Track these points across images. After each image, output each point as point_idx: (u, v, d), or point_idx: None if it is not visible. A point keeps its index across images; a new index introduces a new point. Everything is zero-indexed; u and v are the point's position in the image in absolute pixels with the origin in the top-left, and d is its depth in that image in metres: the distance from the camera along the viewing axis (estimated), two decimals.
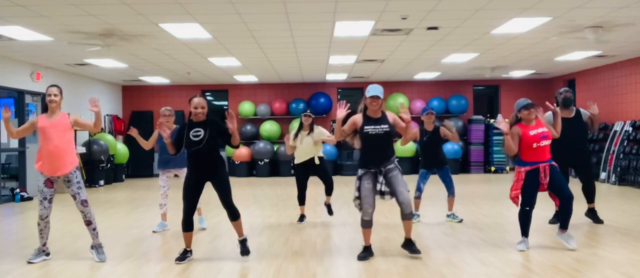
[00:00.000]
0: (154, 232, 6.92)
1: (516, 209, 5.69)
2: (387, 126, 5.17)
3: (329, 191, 7.31)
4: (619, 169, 11.94)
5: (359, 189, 5.18)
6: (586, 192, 7.05)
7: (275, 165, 15.62)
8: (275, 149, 15.61)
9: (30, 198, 10.76)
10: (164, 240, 6.44)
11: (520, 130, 5.48)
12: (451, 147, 14.73)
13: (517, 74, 14.85)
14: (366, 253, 5.30)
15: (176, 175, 6.91)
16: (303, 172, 7.21)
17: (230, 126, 5.04)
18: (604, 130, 12.89)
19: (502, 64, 12.72)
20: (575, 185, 6.85)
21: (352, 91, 16.98)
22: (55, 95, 5.28)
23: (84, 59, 10.98)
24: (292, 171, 15.02)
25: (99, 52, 9.81)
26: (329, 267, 5.04)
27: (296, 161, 7.19)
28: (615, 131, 12.39)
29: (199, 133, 5.07)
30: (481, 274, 4.71)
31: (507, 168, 15.74)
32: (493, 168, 15.67)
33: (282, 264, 5.15)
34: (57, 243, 6.20)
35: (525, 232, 5.60)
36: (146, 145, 6.88)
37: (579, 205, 7.21)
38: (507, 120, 5.61)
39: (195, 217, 5.90)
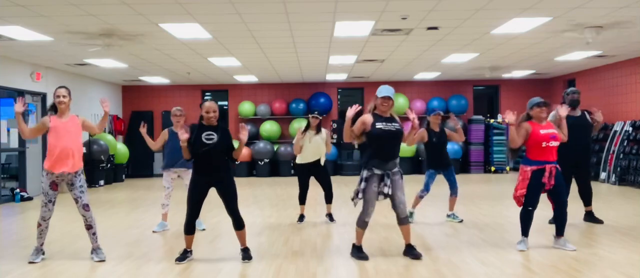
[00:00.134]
0: (154, 232, 6.92)
1: (516, 209, 5.69)
2: (398, 125, 5.17)
3: (328, 198, 7.31)
4: (619, 169, 11.94)
5: (364, 191, 5.11)
6: (583, 195, 7.05)
7: (275, 165, 15.62)
8: (275, 149, 15.61)
9: (30, 198, 10.76)
10: (164, 240, 6.44)
11: (530, 128, 5.47)
12: (451, 147, 14.73)
13: (517, 74, 14.85)
14: (362, 253, 5.30)
15: (179, 176, 6.90)
16: (306, 172, 7.21)
17: (244, 138, 5.11)
18: (604, 130, 12.88)
19: (502, 64, 12.72)
20: (572, 186, 6.87)
21: (352, 91, 16.98)
22: (64, 96, 5.31)
23: (84, 59, 10.98)
24: (292, 171, 15.23)
25: (99, 52, 9.81)
26: (329, 267, 5.04)
27: (301, 161, 7.17)
28: (615, 131, 12.39)
29: (212, 136, 5.04)
30: (481, 274, 4.72)
31: (507, 168, 15.74)
32: (493, 169, 15.67)
33: (282, 264, 5.15)
34: (57, 243, 6.20)
35: (525, 231, 5.60)
36: (153, 145, 6.84)
37: (578, 207, 7.21)
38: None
39: None
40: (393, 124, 5.13)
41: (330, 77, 15.08)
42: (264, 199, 10.27)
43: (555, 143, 5.44)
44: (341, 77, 15.14)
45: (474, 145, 15.80)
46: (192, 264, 5.19)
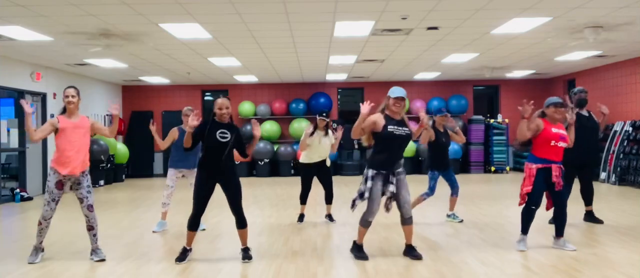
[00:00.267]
0: (153, 232, 6.92)
1: (516, 209, 5.69)
2: (408, 129, 5.16)
3: (329, 199, 7.32)
4: (619, 169, 11.94)
5: (370, 190, 5.11)
6: (585, 194, 7.06)
7: (275, 165, 15.62)
8: (275, 149, 15.61)
9: (30, 198, 10.76)
10: (164, 240, 6.44)
11: (542, 125, 5.45)
12: (451, 147, 14.66)
13: (517, 74, 14.85)
14: (363, 252, 5.30)
15: (184, 176, 6.89)
16: (311, 172, 7.21)
17: (257, 134, 5.14)
18: (604, 130, 12.88)
19: (502, 64, 12.72)
20: (573, 186, 6.87)
21: (352, 91, 16.99)
22: (72, 96, 5.29)
23: (84, 59, 10.98)
24: (292, 171, 15.23)
25: (99, 52, 9.81)
26: (329, 267, 5.04)
27: (306, 160, 7.17)
28: (615, 131, 12.39)
29: (226, 135, 5.06)
30: (481, 274, 4.72)
31: (507, 168, 15.74)
32: (493, 169, 15.67)
33: (282, 264, 5.16)
34: (57, 243, 6.20)
35: (525, 229, 5.60)
36: (162, 144, 6.81)
37: (578, 207, 7.22)
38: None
39: None
40: (403, 128, 5.11)
41: (330, 77, 15.08)
42: (264, 199, 10.27)
43: (563, 144, 5.44)
44: (341, 77, 15.14)
45: (474, 145, 15.80)
46: (192, 264, 5.19)
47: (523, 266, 5.02)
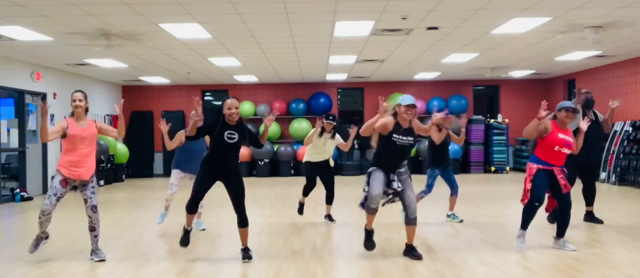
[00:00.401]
0: (158, 223, 6.96)
1: (516, 209, 5.70)
2: (412, 139, 5.22)
3: (329, 200, 7.34)
4: (619, 169, 11.94)
5: (370, 174, 5.19)
6: (587, 194, 7.07)
7: (275, 165, 15.62)
8: (275, 149, 15.61)
9: (30, 198, 10.76)
10: (164, 240, 6.45)
11: (551, 127, 5.45)
12: (451, 147, 14.66)
13: (517, 74, 14.85)
14: (371, 241, 5.36)
15: (183, 178, 6.89)
16: (314, 170, 7.24)
17: (268, 124, 5.23)
18: (610, 126, 12.87)
19: (502, 64, 12.72)
20: (575, 186, 6.87)
21: (352, 91, 16.99)
22: (80, 100, 5.29)
23: (84, 59, 10.97)
24: (292, 171, 15.22)
25: (99, 52, 9.81)
26: (329, 267, 5.04)
27: (310, 159, 7.20)
28: (615, 131, 12.39)
29: (234, 136, 5.09)
30: (481, 274, 4.72)
31: (507, 168, 15.74)
32: (493, 169, 15.66)
33: (282, 264, 5.16)
34: (57, 243, 6.20)
35: (525, 225, 5.60)
36: (170, 145, 6.79)
37: (578, 207, 7.21)
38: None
39: (194, 220, 5.93)
40: (408, 138, 5.18)
41: (330, 77, 15.08)
42: (264, 199, 10.27)
43: (567, 151, 5.44)
44: (341, 77, 15.14)
45: (474, 145, 15.79)
46: (192, 264, 5.19)
47: (523, 266, 5.02)
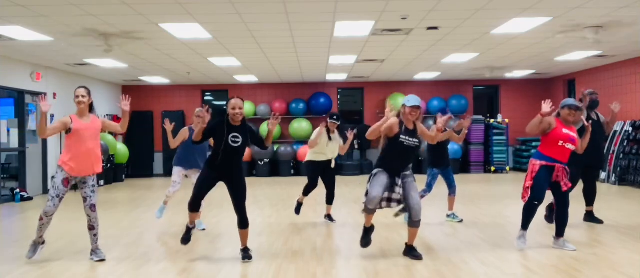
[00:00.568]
0: (158, 218, 6.99)
1: (516, 209, 5.70)
2: (418, 140, 5.20)
3: (330, 199, 7.34)
4: (619, 169, 11.94)
5: (373, 176, 5.18)
6: (588, 195, 7.08)
7: (275, 165, 15.63)
8: (275, 149, 15.61)
9: (30, 198, 10.76)
10: (164, 240, 6.45)
11: (554, 123, 5.46)
12: (451, 147, 14.69)
13: (517, 74, 14.85)
14: (368, 238, 5.36)
15: (187, 176, 6.89)
16: (317, 170, 7.23)
17: (272, 128, 5.21)
18: (611, 129, 12.87)
19: (502, 64, 12.72)
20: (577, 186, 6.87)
21: (352, 91, 16.99)
22: (83, 96, 5.29)
23: (84, 59, 10.98)
24: (292, 171, 15.21)
25: (99, 52, 9.81)
26: (329, 267, 5.04)
27: (313, 158, 7.19)
28: (615, 131, 12.39)
29: (237, 140, 5.07)
30: (481, 274, 4.72)
31: (507, 168, 15.74)
32: (493, 168, 15.66)
33: (282, 264, 5.16)
34: (57, 243, 6.20)
35: (525, 225, 5.60)
36: (173, 143, 6.79)
37: (578, 207, 7.21)
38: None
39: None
40: (414, 139, 5.17)
41: (330, 77, 15.07)
42: (264, 199, 10.27)
43: (571, 147, 5.44)
44: (341, 77, 15.14)
45: (474, 145, 15.79)
46: (192, 264, 5.19)
47: (523, 266, 5.02)
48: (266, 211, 8.67)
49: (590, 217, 7.10)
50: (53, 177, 5.24)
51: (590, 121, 6.26)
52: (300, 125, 15.68)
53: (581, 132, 5.86)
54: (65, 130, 5.21)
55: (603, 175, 12.40)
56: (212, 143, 5.30)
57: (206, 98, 16.98)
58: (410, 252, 5.31)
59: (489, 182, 13.24)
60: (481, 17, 7.75)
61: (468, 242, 6.05)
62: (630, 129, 12.01)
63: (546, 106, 5.41)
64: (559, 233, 5.60)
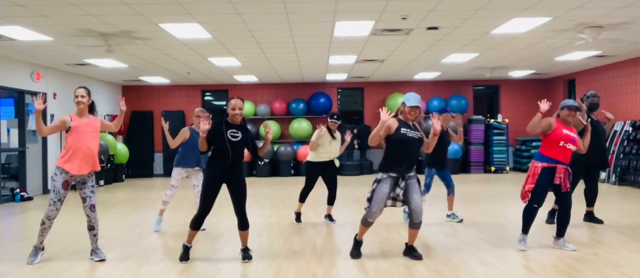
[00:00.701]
0: (155, 230, 6.93)
1: (517, 208, 5.70)
2: (420, 134, 5.17)
3: (331, 200, 7.33)
4: (619, 169, 11.94)
5: (374, 191, 5.11)
6: (589, 195, 7.08)
7: (275, 165, 15.63)
8: (275, 149, 15.61)
9: (30, 198, 10.75)
10: (164, 240, 6.44)
11: (554, 124, 5.46)
12: (451, 147, 14.70)
13: (517, 74, 14.85)
14: (358, 250, 5.36)
15: (188, 176, 6.88)
16: (318, 171, 7.21)
17: (270, 137, 5.24)
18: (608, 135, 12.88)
19: (502, 64, 12.72)
20: (577, 187, 6.87)
21: (352, 91, 16.99)
22: (82, 96, 5.30)
23: (84, 59, 10.98)
24: (292, 171, 15.21)
25: (99, 52, 9.81)
26: (329, 267, 5.04)
27: (314, 159, 7.18)
28: (615, 131, 12.39)
29: (237, 134, 5.07)
30: (481, 274, 4.72)
31: (507, 168, 15.74)
32: (493, 168, 15.66)
33: (282, 264, 5.16)
34: (57, 243, 6.20)
35: (526, 229, 5.60)
36: (172, 143, 6.78)
37: (579, 207, 7.21)
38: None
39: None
40: (416, 132, 5.13)
41: (330, 77, 15.08)
42: (264, 199, 10.28)
43: (572, 147, 5.43)
44: (341, 77, 15.14)
45: (474, 145, 15.80)
46: (192, 264, 5.19)
47: (523, 266, 5.02)
48: (266, 211, 8.67)
49: (590, 217, 7.11)
50: (53, 178, 5.24)
51: (589, 119, 6.27)
52: (300, 125, 15.68)
53: (582, 134, 5.87)
54: (65, 129, 5.21)
55: (603, 175, 12.41)
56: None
57: (206, 98, 16.98)
58: (411, 252, 5.31)
59: (489, 182, 13.24)
60: (481, 17, 7.75)
61: (468, 242, 6.05)
62: (630, 129, 12.01)
63: (544, 105, 5.41)
64: (560, 233, 5.60)
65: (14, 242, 6.65)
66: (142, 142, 16.22)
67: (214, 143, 5.09)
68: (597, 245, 5.79)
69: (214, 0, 6.64)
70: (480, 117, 16.03)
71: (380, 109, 5.11)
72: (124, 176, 14.99)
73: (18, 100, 11.19)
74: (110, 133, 14.90)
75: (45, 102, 5.38)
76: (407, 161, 5.10)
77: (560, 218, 5.60)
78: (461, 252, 5.53)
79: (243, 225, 5.23)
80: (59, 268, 5.11)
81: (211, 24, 7.92)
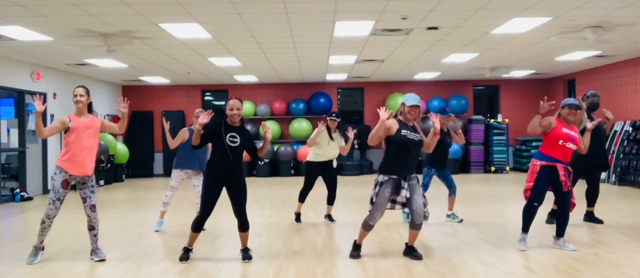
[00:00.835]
0: (156, 230, 6.93)
1: (516, 209, 5.70)
2: (420, 135, 5.16)
3: (331, 200, 7.33)
4: (619, 169, 11.94)
5: (376, 195, 5.09)
6: (590, 195, 7.09)
7: (275, 165, 15.63)
8: (275, 149, 15.61)
9: (30, 198, 10.75)
10: (164, 240, 6.44)
11: (555, 123, 5.46)
12: (451, 147, 14.71)
13: (517, 74, 14.85)
14: (358, 251, 5.35)
15: (188, 177, 6.88)
16: (317, 171, 7.20)
17: (269, 137, 5.23)
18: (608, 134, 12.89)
19: (502, 64, 12.72)
20: (578, 187, 6.87)
21: (352, 91, 16.99)
22: (81, 95, 5.29)
23: (84, 59, 10.98)
24: (292, 171, 15.22)
25: (99, 52, 9.81)
26: (329, 267, 5.04)
27: (313, 159, 7.17)
28: (615, 131, 12.39)
29: (235, 140, 5.05)
30: (481, 274, 4.72)
31: (507, 168, 15.74)
32: (493, 168, 15.66)
33: (282, 264, 5.16)
34: (57, 243, 6.20)
35: (526, 228, 5.60)
36: (172, 143, 6.77)
37: (579, 207, 7.21)
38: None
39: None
40: (416, 134, 5.13)
41: (330, 77, 15.08)
42: (264, 199, 10.27)
43: (572, 146, 5.42)
44: (341, 77, 15.14)
45: (474, 145, 15.80)
46: (192, 264, 5.19)
47: (523, 266, 5.02)
48: (266, 211, 8.67)
49: (590, 217, 7.11)
50: (53, 178, 5.24)
51: (590, 119, 6.27)
52: (300, 125, 15.68)
53: (583, 131, 5.87)
54: (64, 130, 5.21)
55: (603, 175, 12.40)
56: (210, 149, 5.26)
57: (206, 98, 16.98)
58: (411, 252, 5.31)
59: (489, 182, 13.24)
60: (481, 17, 7.75)
61: (468, 242, 6.05)
62: (630, 129, 12.01)
63: (544, 105, 5.41)
64: (560, 233, 5.60)
65: (14, 242, 6.65)
66: (142, 142, 16.22)
67: (213, 145, 5.09)
68: (597, 245, 5.79)
69: (214, 0, 6.64)
70: (480, 117, 16.04)
71: (378, 109, 5.12)
72: (124, 176, 14.99)
73: (18, 100, 11.19)
74: (111, 133, 14.92)
75: (44, 102, 5.36)
76: (407, 163, 5.09)
77: (560, 218, 5.60)
78: (461, 252, 5.53)
79: (243, 226, 5.22)
80: (59, 268, 5.11)
81: (211, 24, 7.92)
